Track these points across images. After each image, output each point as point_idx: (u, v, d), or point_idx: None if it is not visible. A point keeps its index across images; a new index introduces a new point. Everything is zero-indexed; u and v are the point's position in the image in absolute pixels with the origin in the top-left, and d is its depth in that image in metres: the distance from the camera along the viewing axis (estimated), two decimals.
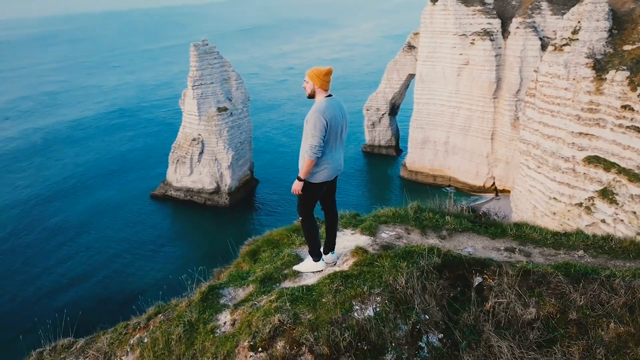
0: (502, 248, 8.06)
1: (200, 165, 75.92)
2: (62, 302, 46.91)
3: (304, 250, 8.08)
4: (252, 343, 6.07)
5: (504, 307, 6.98)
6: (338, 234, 8.42)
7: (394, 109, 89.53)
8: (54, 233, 63.67)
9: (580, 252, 8.02)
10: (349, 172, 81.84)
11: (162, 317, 7.17)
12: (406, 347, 6.24)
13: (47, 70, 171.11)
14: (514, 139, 66.65)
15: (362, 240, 8.02)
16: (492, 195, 72.24)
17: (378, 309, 6.35)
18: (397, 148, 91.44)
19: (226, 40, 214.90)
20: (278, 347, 5.95)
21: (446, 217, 8.71)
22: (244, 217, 72.30)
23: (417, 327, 6.40)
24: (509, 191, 65.58)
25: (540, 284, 7.12)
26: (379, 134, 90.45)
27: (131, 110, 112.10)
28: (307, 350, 5.89)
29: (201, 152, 75.43)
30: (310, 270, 7.30)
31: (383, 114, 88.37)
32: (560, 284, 7.06)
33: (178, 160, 76.00)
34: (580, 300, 6.91)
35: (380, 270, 6.77)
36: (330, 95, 6.90)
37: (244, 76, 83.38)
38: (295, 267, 7.45)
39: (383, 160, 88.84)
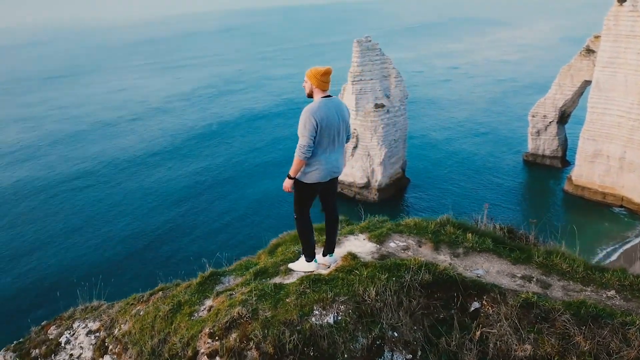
0: (519, 275, 7.36)
1: (353, 160, 77.37)
2: None
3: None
4: (211, 331, 6.35)
5: (495, 339, 6.47)
6: (349, 237, 8.33)
7: (563, 117, 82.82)
8: (220, 216, 67.97)
9: (612, 292, 7.04)
10: (505, 181, 77.77)
11: (161, 294, 7.75)
12: None
13: (226, 60, 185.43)
14: None
15: (367, 247, 7.85)
16: None
17: (339, 318, 6.24)
18: (564, 159, 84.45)
19: (392, 37, 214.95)
20: (231, 339, 6.15)
21: (467, 235, 8.17)
22: (391, 214, 72.07)
23: (378, 342, 6.19)
24: None
25: (544, 320, 6.43)
26: (544, 143, 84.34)
27: (295, 101, 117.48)
28: (254, 346, 6.03)
29: (355, 147, 76.81)
30: (301, 269, 7.35)
31: (550, 122, 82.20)
32: (565, 323, 6.33)
33: None
34: (585, 346, 6.15)
35: (354, 279, 6.63)
36: (329, 96, 6.88)
37: (405, 74, 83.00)
38: (290, 265, 7.55)
39: (546, 172, 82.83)
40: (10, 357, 8.17)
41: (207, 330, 6.35)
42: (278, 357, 5.89)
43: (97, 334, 7.67)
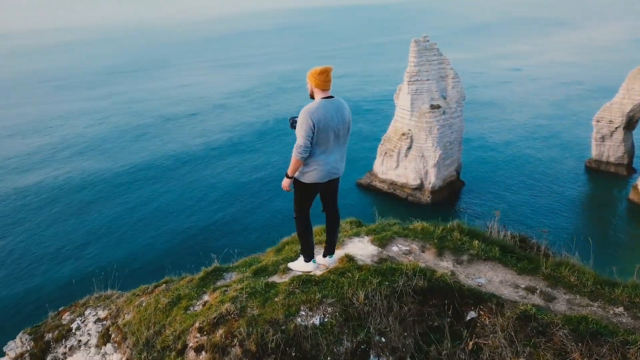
0: (522, 286, 7.09)
1: (406, 160, 76.57)
2: None
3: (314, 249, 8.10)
4: (201, 326, 6.45)
5: (489, 351, 6.29)
6: (353, 239, 8.25)
7: (630, 123, 78.98)
8: (274, 213, 68.71)
9: (620, 309, 6.67)
10: (565, 189, 74.99)
11: (164, 286, 7.92)
12: None
13: (284, 58, 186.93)
14: None
15: (368, 250, 7.76)
16: None
17: (325, 320, 6.22)
18: (630, 167, 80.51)
19: (452, 38, 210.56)
20: (217, 335, 6.23)
21: (474, 242, 7.93)
22: (444, 217, 70.76)
23: (363, 346, 6.13)
24: None
25: (541, 334, 6.20)
26: (608, 149, 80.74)
27: (353, 100, 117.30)
28: (238, 343, 6.08)
29: (409, 148, 75.98)
30: (299, 269, 7.35)
31: (617, 127, 78.60)
32: (563, 338, 6.08)
33: (386, 153, 77.62)
34: None
35: (345, 282, 6.57)
36: (331, 97, 6.83)
37: (464, 75, 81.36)
38: (289, 264, 7.56)
39: (610, 179, 79.26)
40: (26, 339, 8.57)
41: (197, 324, 6.46)
42: (260, 356, 5.92)
43: (104, 322, 7.93)
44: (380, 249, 7.74)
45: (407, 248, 7.78)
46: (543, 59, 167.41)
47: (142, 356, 6.63)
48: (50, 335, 8.42)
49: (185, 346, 6.38)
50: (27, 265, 53.35)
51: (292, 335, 6.02)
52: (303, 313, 6.24)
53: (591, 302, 6.77)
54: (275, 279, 7.28)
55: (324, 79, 6.67)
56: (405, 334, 6.42)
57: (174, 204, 69.19)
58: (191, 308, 7.01)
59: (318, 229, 8.59)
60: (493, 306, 6.57)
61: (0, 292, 47.82)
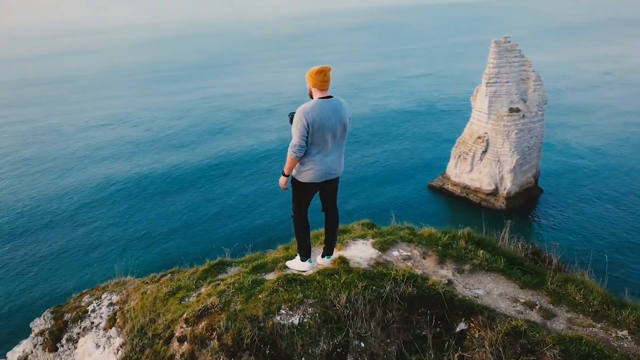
0: (522, 300, 6.73)
1: (481, 164, 74.36)
2: None
3: (318, 249, 8.08)
4: (187, 317, 6.61)
5: None
6: (357, 241, 8.14)
7: None
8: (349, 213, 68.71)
9: (624, 332, 6.20)
10: None
11: (170, 276, 8.15)
12: None
13: (360, 57, 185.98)
14: None
15: (367, 253, 7.63)
16: None
17: (305, 320, 6.20)
18: None
19: (536, 39, 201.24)
20: (200, 327, 6.36)
21: (479, 251, 7.60)
22: (519, 226, 67.96)
23: (340, 349, 6.07)
24: None
25: (530, 352, 5.91)
26: None
27: (429, 100, 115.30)
28: (216, 336, 6.19)
29: (484, 151, 73.72)
30: (296, 268, 7.35)
31: None
32: (552, 359, 5.77)
33: (460, 156, 75.77)
34: None
35: (329, 283, 6.51)
36: (329, 97, 6.78)
37: (547, 78, 77.94)
38: (287, 263, 7.57)
39: None
40: (48, 317, 9.10)
41: (185, 315, 6.62)
42: (235, 351, 6.00)
43: (115, 307, 8.28)
44: (380, 252, 7.61)
45: (408, 253, 7.60)
46: (635, 62, 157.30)
47: (134, 342, 6.88)
48: (69, 315, 8.90)
49: (171, 335, 6.56)
50: (109, 249, 56.18)
51: (269, 333, 6.05)
52: (283, 312, 6.25)
53: (594, 323, 6.35)
54: (271, 276, 7.32)
55: (322, 78, 6.62)
56: (388, 340, 6.29)
57: (249, 199, 70.56)
58: (186, 299, 7.19)
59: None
60: (484, 319, 6.30)
61: (82, 273, 50.41)
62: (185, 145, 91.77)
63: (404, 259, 7.46)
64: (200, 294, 7.14)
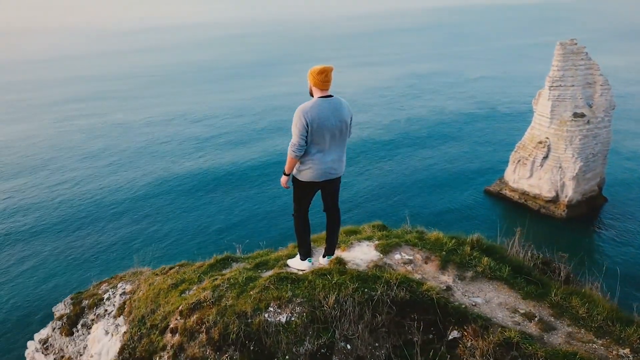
0: (522, 311, 6.46)
1: (541, 170, 71.96)
2: None
3: (321, 249, 8.05)
4: (182, 309, 6.75)
5: None
6: (362, 243, 8.05)
7: None
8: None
9: (626, 350, 5.84)
10: None
11: (177, 268, 8.31)
12: None
13: (421, 58, 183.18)
14: None
15: (368, 255, 7.53)
16: None
17: (292, 318, 6.20)
18: None
19: (606, 42, 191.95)
20: (191, 319, 6.48)
21: (483, 258, 7.34)
22: (580, 236, 65.03)
23: (323, 350, 6.03)
24: None
25: None
26: None
27: (489, 103, 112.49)
28: (205, 330, 6.28)
29: (545, 157, 71.29)
30: (295, 267, 7.36)
31: None
32: None
33: (519, 161, 73.56)
34: None
35: (320, 283, 6.48)
36: (329, 96, 6.74)
37: (615, 82, 74.55)
38: (288, 261, 7.59)
39: None
40: (68, 303, 9.47)
41: (180, 307, 6.76)
42: (221, 345, 6.08)
43: (126, 296, 8.54)
44: (382, 255, 7.51)
45: (410, 257, 7.46)
46: None
47: (134, 331, 7.08)
48: (86, 302, 9.24)
49: (167, 326, 6.71)
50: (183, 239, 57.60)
51: (255, 330, 6.09)
52: (272, 309, 6.28)
53: (595, 339, 6.04)
54: (270, 273, 7.35)
55: (323, 78, 6.59)
56: (377, 344, 6.20)
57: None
58: (186, 292, 7.32)
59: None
60: (477, 328, 6.12)
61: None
62: (244, 142, 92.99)
63: (405, 263, 7.33)
64: (198, 287, 7.26)
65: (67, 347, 9.11)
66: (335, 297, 6.22)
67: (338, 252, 7.80)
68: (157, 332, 6.72)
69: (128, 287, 8.74)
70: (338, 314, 6.16)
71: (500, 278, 7.00)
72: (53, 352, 9.38)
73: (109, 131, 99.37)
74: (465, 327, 6.19)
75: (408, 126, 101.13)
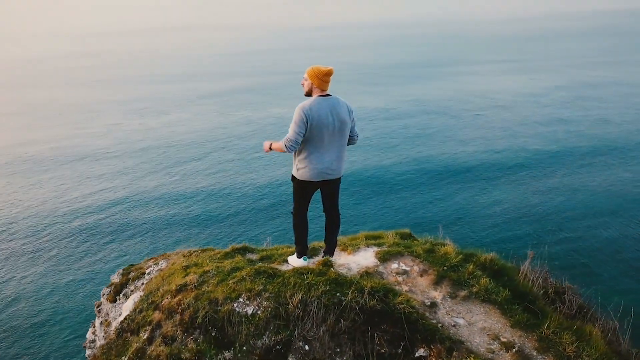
0: (503, 339, 5.87)
1: None
2: None
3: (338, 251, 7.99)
4: (171, 289, 7.13)
5: None
6: (369, 249, 7.82)
7: None
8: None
9: None
10: None
11: (198, 252, 8.71)
12: (255, 358, 6.08)
13: (589, 64, 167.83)
14: None
15: (364, 261, 7.33)
16: None
17: (258, 311, 6.30)
18: None
19: None
20: (175, 299, 6.85)
21: (482, 279, 6.72)
22: None
23: (279, 347, 6.06)
24: None
25: None
26: None
27: None
28: (180, 311, 6.60)
29: None
30: (292, 263, 7.40)
31: None
32: None
33: None
34: None
35: (292, 281, 6.46)
36: (328, 95, 6.70)
37: None
38: (288, 257, 7.63)
39: None
40: (119, 273, 10.34)
41: (172, 287, 7.15)
42: (188, 327, 6.38)
43: (157, 273, 9.14)
44: (378, 262, 7.28)
45: (407, 268, 7.13)
46: None
47: (137, 305, 7.60)
48: (132, 274, 10.02)
49: (159, 304, 7.13)
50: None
51: (221, 317, 6.28)
52: (241, 300, 6.42)
53: None
54: (272, 266, 7.46)
55: (327, 80, 6.65)
56: (338, 350, 6.09)
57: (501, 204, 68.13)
58: (189, 275, 7.68)
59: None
60: (443, 349, 5.75)
61: None
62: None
63: (399, 273, 7.04)
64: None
65: (109, 312, 9.99)
66: (302, 297, 6.19)
67: (344, 255, 7.72)
68: (152, 308, 7.17)
69: (163, 265, 9.37)
70: (301, 313, 6.13)
71: (494, 302, 6.46)
72: (101, 315, 10.34)
73: None
74: (432, 347, 5.84)
75: (567, 136, 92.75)
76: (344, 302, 6.18)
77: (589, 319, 6.60)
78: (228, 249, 8.56)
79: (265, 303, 6.31)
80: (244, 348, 6.10)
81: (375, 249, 7.80)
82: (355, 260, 7.48)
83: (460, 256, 7.21)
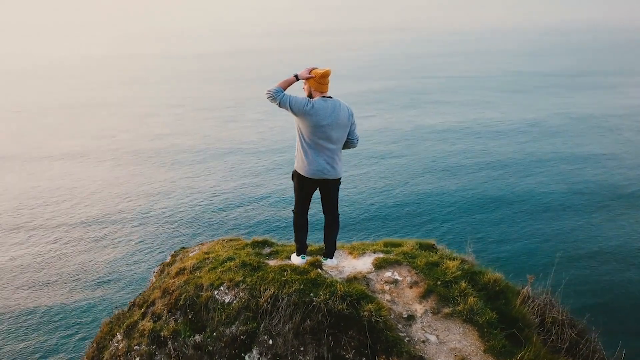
0: None
1: None
2: None
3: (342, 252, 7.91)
4: (176, 269, 7.55)
5: None
6: (372, 255, 7.62)
7: None
8: None
9: None
10: None
11: (226, 241, 9.02)
12: (226, 349, 6.29)
13: None
14: None
15: (359, 267, 7.23)
16: None
17: (233, 301, 6.50)
18: None
19: None
20: (171, 281, 7.28)
21: (470, 298, 6.20)
22: None
23: (243, 337, 6.22)
24: None
25: None
26: None
27: None
28: (171, 292, 7.00)
29: None
30: (292, 261, 7.49)
31: None
32: None
33: None
34: None
35: (270, 277, 6.55)
36: (329, 97, 6.71)
37: None
38: (291, 255, 7.69)
39: None
40: (170, 254, 11.00)
41: (174, 271, 7.58)
42: (171, 308, 6.78)
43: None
44: (372, 269, 7.13)
45: (399, 278, 6.89)
46: None
47: (156, 282, 8.13)
48: (179, 256, 10.62)
49: (161, 285, 7.59)
50: None
51: (200, 302, 6.56)
52: (222, 288, 6.67)
53: None
54: (276, 262, 7.60)
55: (324, 82, 6.71)
56: (302, 349, 6.12)
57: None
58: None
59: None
60: None
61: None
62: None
63: (388, 282, 6.83)
64: None
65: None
66: (274, 292, 6.28)
67: (349, 259, 7.64)
68: (157, 287, 7.64)
69: (204, 249, 9.85)
70: (270, 308, 6.22)
71: (475, 323, 6.04)
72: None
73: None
74: (390, 359, 5.64)
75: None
76: (313, 303, 6.16)
77: (578, 356, 5.93)
78: (249, 241, 8.82)
79: (241, 294, 6.51)
80: (214, 334, 6.35)
81: (380, 255, 7.61)
82: (353, 264, 7.39)
83: (459, 272, 6.80)
